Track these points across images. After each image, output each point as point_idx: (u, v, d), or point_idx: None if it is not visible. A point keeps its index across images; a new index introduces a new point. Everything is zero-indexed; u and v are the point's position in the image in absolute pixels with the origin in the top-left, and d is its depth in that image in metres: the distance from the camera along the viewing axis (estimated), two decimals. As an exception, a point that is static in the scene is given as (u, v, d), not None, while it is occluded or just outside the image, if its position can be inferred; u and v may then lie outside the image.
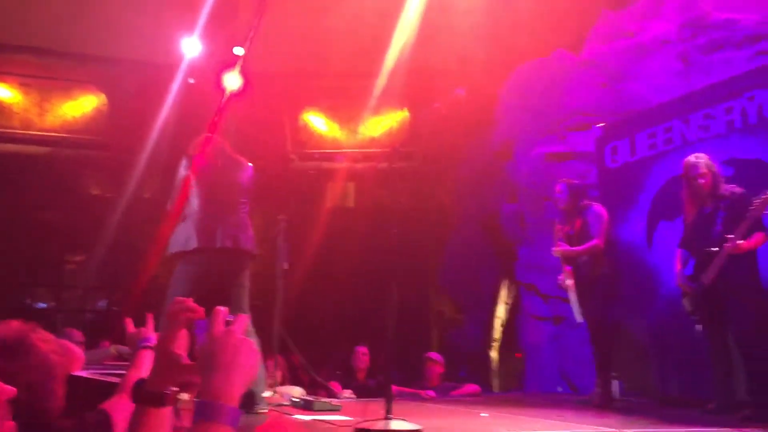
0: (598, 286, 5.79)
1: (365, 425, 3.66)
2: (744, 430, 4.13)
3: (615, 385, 6.13)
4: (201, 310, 1.58)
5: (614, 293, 5.93)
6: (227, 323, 1.36)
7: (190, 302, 1.60)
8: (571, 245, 5.88)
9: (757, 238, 4.76)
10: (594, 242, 5.75)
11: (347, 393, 6.69)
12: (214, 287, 4.45)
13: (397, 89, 9.77)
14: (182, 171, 4.64)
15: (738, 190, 4.98)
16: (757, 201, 4.63)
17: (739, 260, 4.73)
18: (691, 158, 5.17)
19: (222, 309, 1.38)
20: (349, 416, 4.35)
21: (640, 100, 7.37)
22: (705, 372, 5.18)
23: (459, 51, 9.27)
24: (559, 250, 5.95)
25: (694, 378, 5.68)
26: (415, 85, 9.98)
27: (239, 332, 1.34)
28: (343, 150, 11.00)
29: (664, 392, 6.10)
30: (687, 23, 7.17)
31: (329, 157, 11.02)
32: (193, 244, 4.48)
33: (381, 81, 9.42)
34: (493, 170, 9.36)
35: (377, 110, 10.72)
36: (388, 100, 10.45)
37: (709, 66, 6.80)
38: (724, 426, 4.25)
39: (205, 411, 1.24)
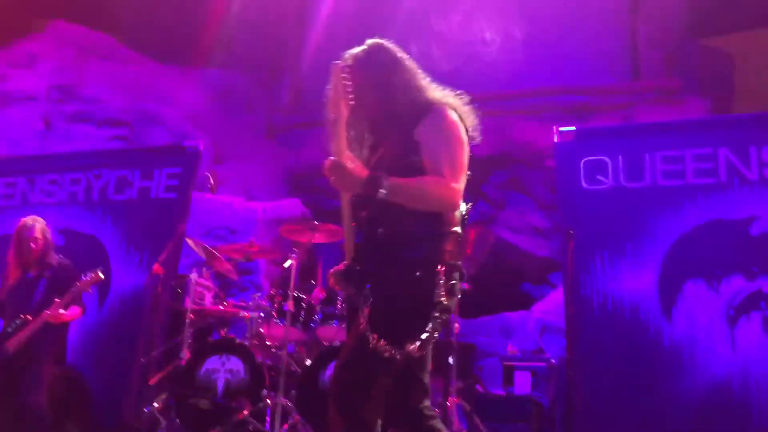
0: None
1: None
2: None
3: None
4: None
5: None
6: None
7: None
8: None
9: (74, 311, 4.85)
10: None
11: None
12: None
13: None
14: None
15: (66, 261, 5.05)
16: (85, 278, 4.74)
17: (48, 331, 4.70)
18: (28, 220, 5.05)
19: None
20: None
21: (-10, 147, 6.91)
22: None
23: None
24: None
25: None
26: None
27: None
28: None
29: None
30: (57, 87, 7.18)
31: None
32: None
33: None
34: None
35: None
36: None
37: (69, 135, 6.89)
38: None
39: None
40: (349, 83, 2.45)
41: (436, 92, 2.65)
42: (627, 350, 4.59)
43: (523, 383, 5.76)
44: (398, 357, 2.34)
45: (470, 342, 7.09)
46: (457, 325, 4.66)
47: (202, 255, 5.82)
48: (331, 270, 2.57)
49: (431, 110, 2.55)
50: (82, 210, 5.84)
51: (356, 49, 2.68)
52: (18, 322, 4.70)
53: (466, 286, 4.89)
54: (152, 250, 5.39)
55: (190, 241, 5.74)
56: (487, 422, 4.71)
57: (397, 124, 2.57)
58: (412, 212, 2.43)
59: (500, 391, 5.94)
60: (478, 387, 6.09)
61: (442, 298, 2.40)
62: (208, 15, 9.07)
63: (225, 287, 7.38)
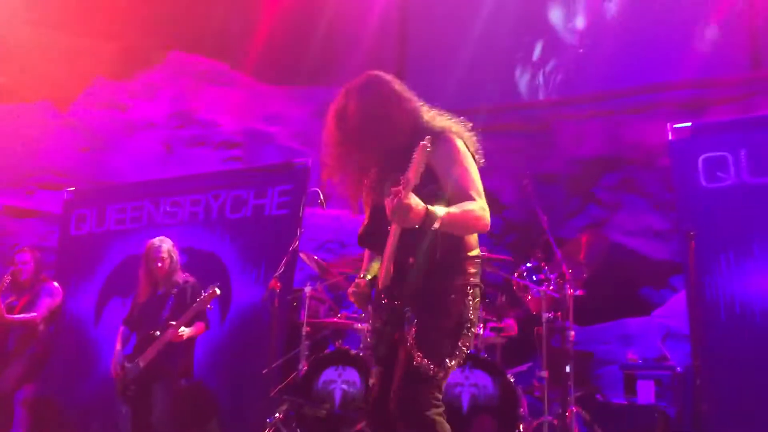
0: (22, 358, 5.62)
1: None
2: None
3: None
4: None
5: (40, 367, 5.78)
6: None
7: None
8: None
9: (198, 327, 5.08)
10: (32, 315, 5.69)
11: None
12: None
13: None
14: None
15: (191, 279, 5.28)
16: (204, 294, 4.96)
17: (176, 347, 4.95)
18: (155, 241, 5.30)
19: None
20: None
21: (118, 173, 7.40)
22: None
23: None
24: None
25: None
26: None
27: None
28: None
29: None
30: (176, 113, 7.59)
31: None
32: None
33: None
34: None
35: None
36: None
37: (188, 158, 7.26)
38: None
39: None
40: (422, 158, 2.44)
41: (438, 120, 2.75)
42: (759, 356, 4.32)
43: (646, 392, 5.53)
44: (441, 375, 2.54)
45: (587, 350, 6.88)
46: (572, 332, 4.53)
47: (315, 269, 5.96)
48: (351, 289, 2.78)
49: (441, 138, 2.64)
50: (203, 229, 6.12)
51: (353, 85, 2.82)
52: (148, 337, 4.98)
53: (580, 292, 4.77)
54: (268, 266, 5.57)
55: (303, 256, 5.89)
56: (609, 432, 4.55)
57: (408, 155, 2.55)
58: (441, 241, 2.56)
59: (622, 401, 5.72)
60: (598, 396, 5.89)
61: (472, 316, 2.61)
62: (310, 35, 9.34)
63: (338, 300, 7.53)
